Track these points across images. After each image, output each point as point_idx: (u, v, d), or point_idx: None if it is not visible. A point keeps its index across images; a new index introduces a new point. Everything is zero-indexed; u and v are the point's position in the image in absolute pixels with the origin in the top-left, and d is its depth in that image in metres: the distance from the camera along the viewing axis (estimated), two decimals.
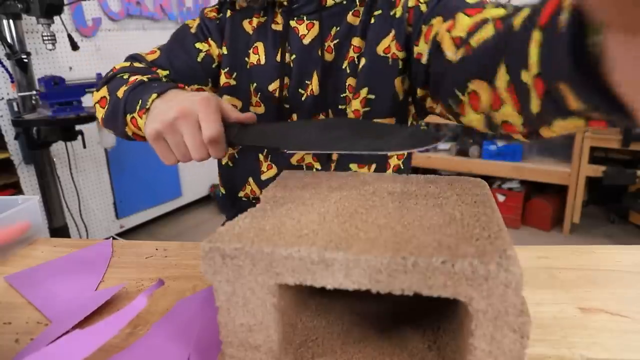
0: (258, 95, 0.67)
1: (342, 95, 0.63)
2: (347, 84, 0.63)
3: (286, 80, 0.65)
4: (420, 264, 0.29)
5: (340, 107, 0.64)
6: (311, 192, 0.42)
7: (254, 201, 0.70)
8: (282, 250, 0.31)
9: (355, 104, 0.63)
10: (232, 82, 0.68)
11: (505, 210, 2.36)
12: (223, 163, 0.72)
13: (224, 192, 0.74)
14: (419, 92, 0.60)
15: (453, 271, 0.28)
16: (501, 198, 2.38)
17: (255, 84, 0.66)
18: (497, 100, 0.39)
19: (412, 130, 0.45)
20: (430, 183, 0.44)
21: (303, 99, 0.65)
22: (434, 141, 0.43)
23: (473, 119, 0.45)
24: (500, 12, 0.43)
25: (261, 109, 0.67)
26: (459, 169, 2.47)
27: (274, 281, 0.31)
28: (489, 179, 2.45)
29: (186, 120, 0.47)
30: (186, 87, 0.64)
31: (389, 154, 0.64)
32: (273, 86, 0.65)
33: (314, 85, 0.64)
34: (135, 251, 0.56)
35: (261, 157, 0.69)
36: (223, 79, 0.68)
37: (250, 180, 0.70)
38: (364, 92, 0.62)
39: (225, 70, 0.68)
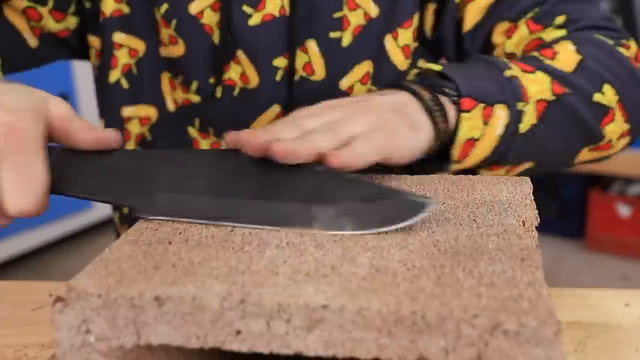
0: (172, 26, 0.50)
1: (335, 15, 0.50)
2: None
3: None
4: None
5: (331, 35, 0.50)
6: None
7: None
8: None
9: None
10: (125, 9, 0.52)
11: (632, 231, 1.84)
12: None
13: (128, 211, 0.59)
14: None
15: None
16: (624, 211, 1.87)
17: (164, 6, 0.50)
18: None
19: (378, 192, 0.32)
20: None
21: (254, 22, 0.49)
22: (414, 216, 0.30)
23: None
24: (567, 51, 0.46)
25: (178, 51, 0.51)
26: None
27: None
28: (601, 180, 1.95)
29: None
30: None
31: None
32: (197, 7, 0.50)
33: None
34: (13, 299, 0.48)
35: (192, 130, 0.54)
36: (109, 5, 0.51)
37: None
38: (372, 9, 0.50)
39: None
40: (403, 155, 0.39)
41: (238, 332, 0.25)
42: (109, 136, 0.36)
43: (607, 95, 0.46)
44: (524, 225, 0.32)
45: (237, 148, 0.36)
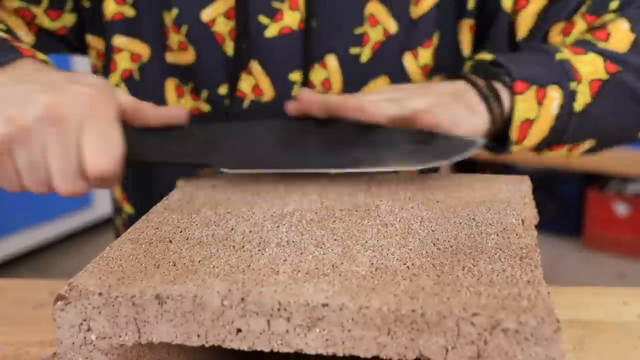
0: (182, 31, 0.49)
1: (356, 31, 0.49)
2: (366, 11, 0.49)
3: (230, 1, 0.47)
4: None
5: (351, 50, 0.50)
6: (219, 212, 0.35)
7: None
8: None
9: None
10: (129, 12, 0.50)
11: (629, 230, 1.83)
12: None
13: (131, 213, 0.57)
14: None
15: None
16: (622, 210, 1.86)
17: (175, 11, 0.49)
18: None
19: (432, 136, 0.37)
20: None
21: (271, 34, 0.48)
22: (466, 151, 0.36)
23: None
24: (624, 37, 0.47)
25: (187, 58, 0.50)
26: (547, 162, 1.87)
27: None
28: (599, 179, 1.94)
29: (59, 130, 0.33)
30: (35, 53, 0.40)
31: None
32: (210, 14, 0.49)
33: (302, 7, 0.48)
34: (14, 297, 0.48)
35: None
36: (110, 7, 0.50)
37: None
38: (391, 25, 0.50)
39: None
40: (464, 129, 0.41)
41: (238, 331, 0.25)
42: (178, 113, 0.39)
43: None
44: (523, 224, 0.32)
45: (304, 109, 0.40)
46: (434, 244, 0.30)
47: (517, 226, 0.31)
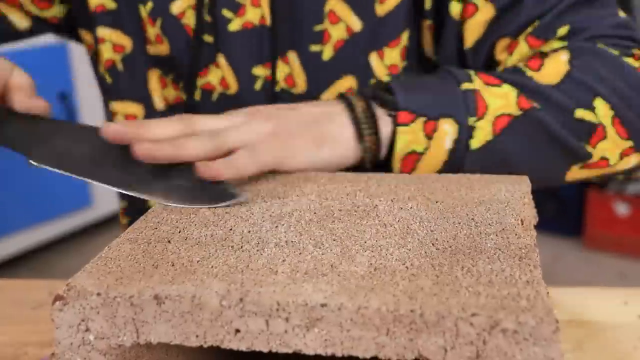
0: (157, 24, 0.50)
1: (315, 28, 0.49)
2: (326, 8, 0.49)
3: None
4: None
5: (311, 48, 0.49)
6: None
7: None
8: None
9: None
10: (111, 5, 0.51)
11: (630, 230, 1.84)
12: None
13: (126, 206, 0.59)
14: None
15: None
16: (622, 210, 1.86)
17: (149, 4, 0.50)
18: None
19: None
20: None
21: (234, 28, 0.49)
22: (221, 202, 0.36)
23: None
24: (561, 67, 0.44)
25: (164, 49, 0.51)
26: None
27: None
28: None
29: None
30: None
31: None
32: (179, 6, 0.50)
33: (263, 4, 0.49)
34: (13, 297, 0.48)
35: None
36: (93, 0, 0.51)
37: None
38: (355, 23, 0.49)
39: None
40: (297, 165, 0.41)
41: (237, 331, 0.25)
42: (39, 104, 0.40)
43: (599, 111, 0.43)
44: (522, 224, 0.32)
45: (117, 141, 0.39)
46: (432, 244, 0.30)
47: (516, 226, 0.31)
